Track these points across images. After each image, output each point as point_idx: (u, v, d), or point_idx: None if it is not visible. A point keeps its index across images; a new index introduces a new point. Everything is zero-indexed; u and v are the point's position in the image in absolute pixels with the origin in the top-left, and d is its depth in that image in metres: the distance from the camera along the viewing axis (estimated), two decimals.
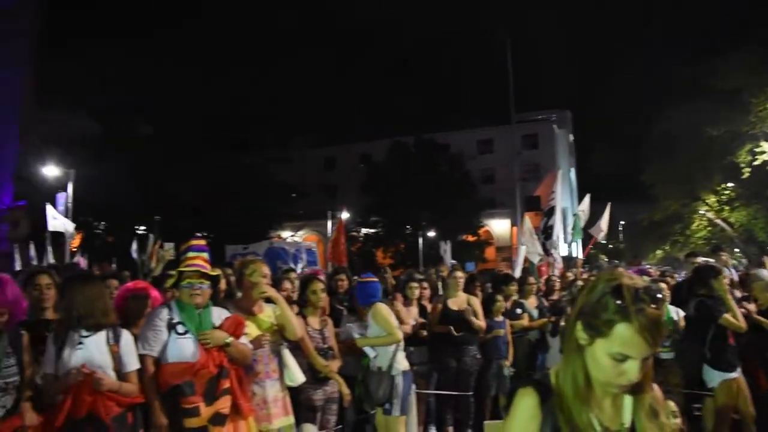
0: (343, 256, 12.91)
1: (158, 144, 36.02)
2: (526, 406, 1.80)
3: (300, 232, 46.06)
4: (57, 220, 14.69)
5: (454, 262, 15.42)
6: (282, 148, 42.60)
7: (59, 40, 42.46)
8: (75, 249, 19.22)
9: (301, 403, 5.27)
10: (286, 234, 41.44)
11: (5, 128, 46.57)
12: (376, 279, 6.08)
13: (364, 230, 47.02)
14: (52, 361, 3.77)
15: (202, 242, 4.52)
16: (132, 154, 34.46)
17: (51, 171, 21.71)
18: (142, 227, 31.87)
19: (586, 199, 13.60)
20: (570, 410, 1.75)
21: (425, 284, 7.93)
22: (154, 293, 4.96)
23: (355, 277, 7.13)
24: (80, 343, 3.80)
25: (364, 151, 57.46)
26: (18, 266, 14.38)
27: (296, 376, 5.03)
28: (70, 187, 18.80)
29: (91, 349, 3.80)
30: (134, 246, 15.19)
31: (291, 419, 4.92)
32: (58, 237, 15.40)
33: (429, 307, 7.70)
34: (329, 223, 31.27)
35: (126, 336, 3.98)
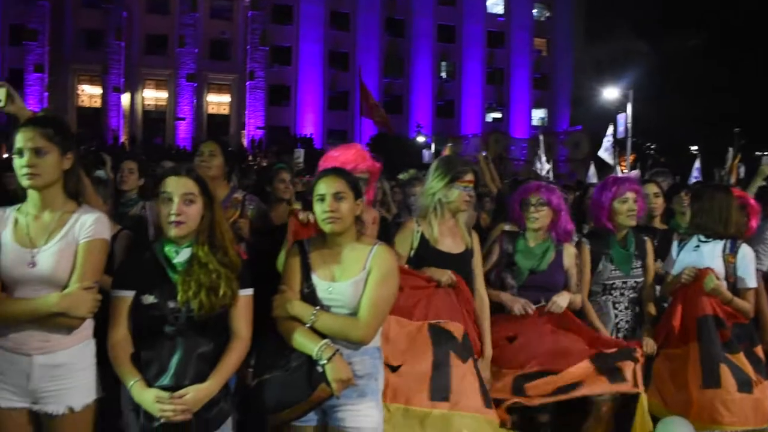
0: None
1: (712, 57, 33.86)
2: None
3: None
4: (606, 151, 15.28)
5: None
6: None
7: None
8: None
9: None
10: None
11: (561, 59, 50.85)
12: None
13: None
14: (673, 261, 3.96)
15: None
16: (684, 69, 33.26)
17: (611, 93, 22.64)
18: (694, 147, 30.74)
19: None
20: None
21: None
22: (752, 202, 4.70)
23: None
24: (696, 246, 3.88)
25: None
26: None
27: None
28: (629, 108, 19.30)
29: (704, 254, 3.83)
30: (696, 164, 14.68)
31: None
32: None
33: None
34: None
35: (745, 250, 3.84)
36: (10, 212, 2.59)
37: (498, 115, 50.96)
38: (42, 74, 39.23)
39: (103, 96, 41.44)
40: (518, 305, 3.51)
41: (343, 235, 2.78)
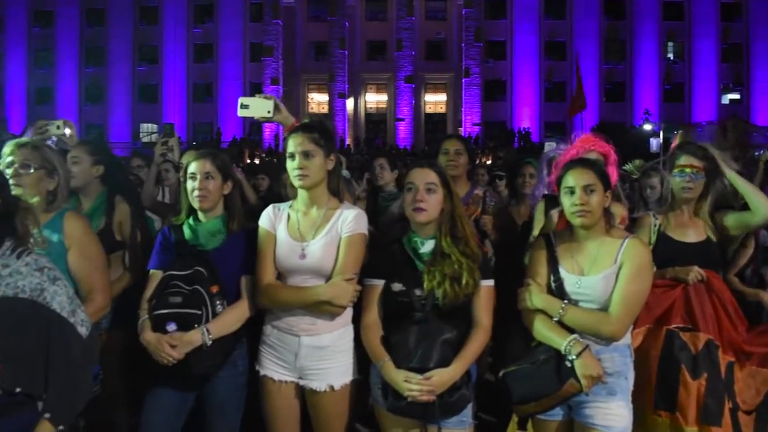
0: None
1: None
2: None
3: None
4: None
5: None
6: None
7: None
8: None
9: None
10: None
11: None
12: None
13: None
14: None
15: None
16: None
17: None
18: None
19: None
20: None
21: None
22: None
23: None
24: None
25: None
26: None
27: None
28: None
29: None
30: None
31: None
32: None
33: None
34: None
35: None
36: (284, 209, 2.91)
37: (736, 96, 46.02)
38: (277, 86, 42.96)
39: (330, 102, 44.29)
40: None
41: (592, 228, 2.72)
